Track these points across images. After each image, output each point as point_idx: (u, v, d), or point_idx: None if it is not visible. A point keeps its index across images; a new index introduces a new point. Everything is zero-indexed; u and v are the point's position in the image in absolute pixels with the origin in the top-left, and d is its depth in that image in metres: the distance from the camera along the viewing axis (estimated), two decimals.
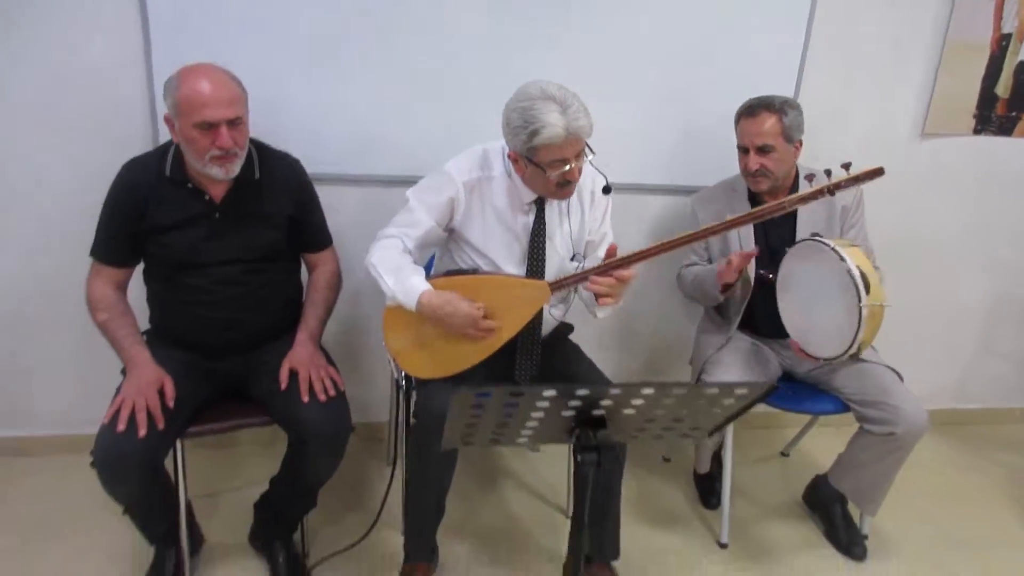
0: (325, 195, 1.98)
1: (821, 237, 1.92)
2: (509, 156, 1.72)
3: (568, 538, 1.34)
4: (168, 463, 1.73)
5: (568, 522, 2.18)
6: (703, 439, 1.37)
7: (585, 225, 1.86)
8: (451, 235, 1.83)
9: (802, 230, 2.09)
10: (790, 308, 2.01)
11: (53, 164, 2.12)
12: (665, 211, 2.49)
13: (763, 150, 2.00)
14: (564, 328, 2.02)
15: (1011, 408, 3.02)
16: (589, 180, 1.82)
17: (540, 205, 1.78)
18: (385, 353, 2.21)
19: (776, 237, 2.11)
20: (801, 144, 2.05)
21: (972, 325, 2.88)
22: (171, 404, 1.68)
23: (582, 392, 1.12)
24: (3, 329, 2.26)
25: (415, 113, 2.22)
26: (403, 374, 1.89)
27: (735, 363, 2.09)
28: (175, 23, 2.02)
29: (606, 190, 1.77)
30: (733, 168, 2.16)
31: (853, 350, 1.84)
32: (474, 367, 1.76)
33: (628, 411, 1.20)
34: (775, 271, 2.03)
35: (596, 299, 1.67)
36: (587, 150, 1.63)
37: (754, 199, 2.13)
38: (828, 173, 1.62)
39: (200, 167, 1.67)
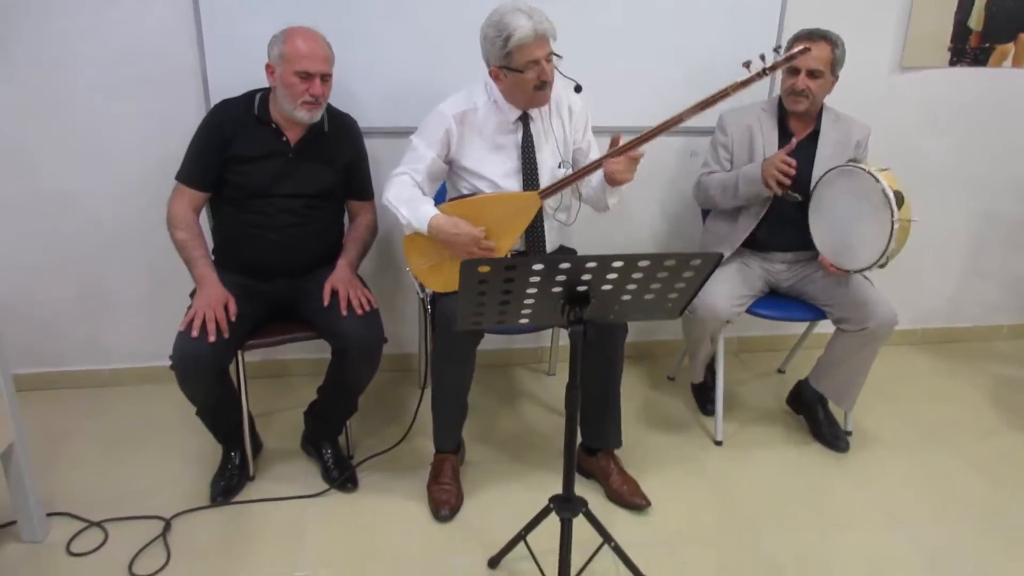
0: None
1: (858, 163, 2.17)
2: (491, 74, 2.00)
3: (564, 403, 1.62)
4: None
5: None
6: (675, 315, 1.62)
7: (568, 135, 2.13)
8: (451, 167, 2.11)
9: (821, 156, 2.30)
10: (821, 228, 2.27)
11: (125, 121, 2.44)
12: (658, 148, 2.74)
13: (813, 74, 2.22)
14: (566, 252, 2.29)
15: (999, 325, 3.21)
16: (564, 97, 2.09)
17: (525, 123, 2.06)
18: (413, 288, 2.50)
19: (797, 160, 2.26)
20: (837, 79, 2.29)
21: (960, 248, 3.08)
22: (233, 319, 1.99)
23: (564, 265, 1.39)
24: (91, 272, 2.60)
25: (440, 67, 2.47)
26: (426, 291, 2.18)
27: (720, 278, 2.32)
28: None
29: (577, 89, 2.02)
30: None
31: (882, 260, 2.11)
32: None
33: (606, 286, 1.47)
34: (800, 191, 2.25)
35: (611, 182, 1.92)
36: (554, 55, 1.93)
37: (782, 121, 2.35)
38: (763, 58, 1.87)
39: (291, 109, 1.99)
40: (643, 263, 1.41)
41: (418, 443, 2.39)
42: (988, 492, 2.23)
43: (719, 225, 2.46)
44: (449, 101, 2.06)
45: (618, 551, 1.78)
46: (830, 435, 2.42)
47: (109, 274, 2.62)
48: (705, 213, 2.57)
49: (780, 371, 2.95)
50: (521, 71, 1.91)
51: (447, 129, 2.03)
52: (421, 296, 2.30)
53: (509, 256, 2.03)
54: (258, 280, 2.13)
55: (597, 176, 2.00)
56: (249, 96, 2.09)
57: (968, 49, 2.70)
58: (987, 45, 2.71)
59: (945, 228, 3.02)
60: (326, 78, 2.00)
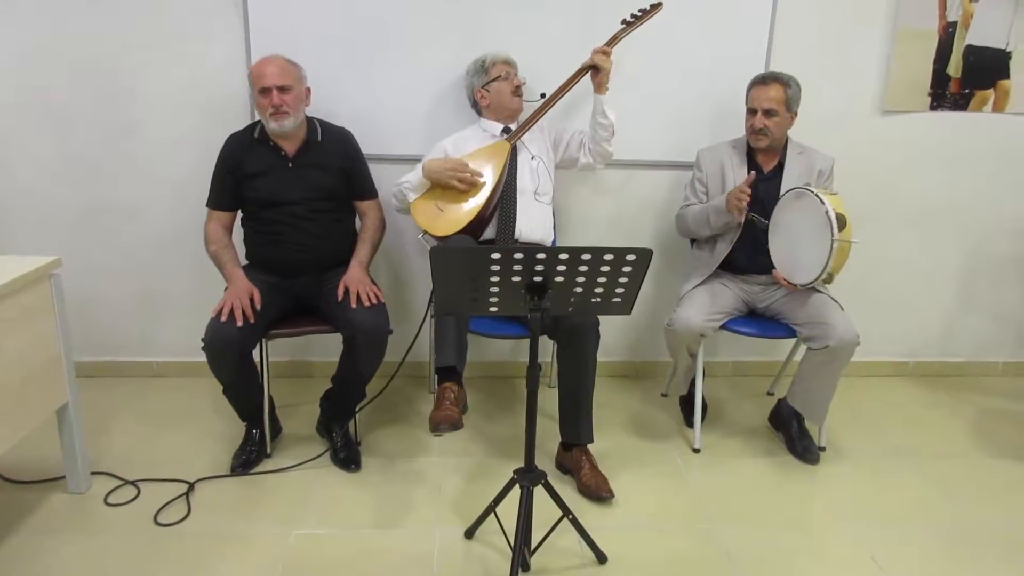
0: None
1: (809, 185, 2.40)
2: (477, 98, 2.61)
3: (526, 378, 1.86)
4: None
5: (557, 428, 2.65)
6: (627, 311, 1.83)
7: (546, 136, 2.69)
8: None
9: (786, 186, 2.51)
10: (778, 247, 2.48)
11: (180, 142, 2.84)
12: (652, 183, 2.99)
13: (768, 113, 2.47)
14: None
15: (994, 362, 3.29)
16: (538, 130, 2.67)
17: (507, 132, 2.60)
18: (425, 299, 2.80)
19: (764, 190, 2.54)
20: (796, 116, 2.52)
21: (950, 283, 3.20)
22: (258, 308, 2.31)
23: (518, 256, 1.65)
24: (147, 275, 2.99)
25: (441, 103, 2.81)
26: (426, 235, 2.56)
27: (697, 296, 2.54)
28: (268, 37, 2.72)
29: (542, 95, 2.60)
30: (703, 142, 2.64)
31: (824, 276, 2.31)
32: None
33: (559, 277, 1.72)
34: (767, 218, 2.48)
35: (598, 74, 2.51)
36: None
37: (750, 157, 2.59)
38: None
39: (266, 123, 2.36)
40: (585, 256, 1.65)
41: (421, 436, 2.64)
42: (940, 503, 2.33)
43: (701, 251, 2.69)
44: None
45: (575, 523, 1.98)
46: (802, 448, 2.56)
47: (161, 278, 2.99)
48: (692, 242, 2.79)
49: (769, 393, 3.10)
50: (497, 79, 2.55)
51: (444, 150, 2.52)
52: (425, 242, 2.70)
53: (486, 200, 2.46)
54: (282, 278, 2.45)
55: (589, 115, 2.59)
56: (251, 125, 2.48)
57: (948, 95, 2.89)
58: (967, 91, 2.89)
59: (934, 263, 3.16)
60: (284, 89, 2.31)
